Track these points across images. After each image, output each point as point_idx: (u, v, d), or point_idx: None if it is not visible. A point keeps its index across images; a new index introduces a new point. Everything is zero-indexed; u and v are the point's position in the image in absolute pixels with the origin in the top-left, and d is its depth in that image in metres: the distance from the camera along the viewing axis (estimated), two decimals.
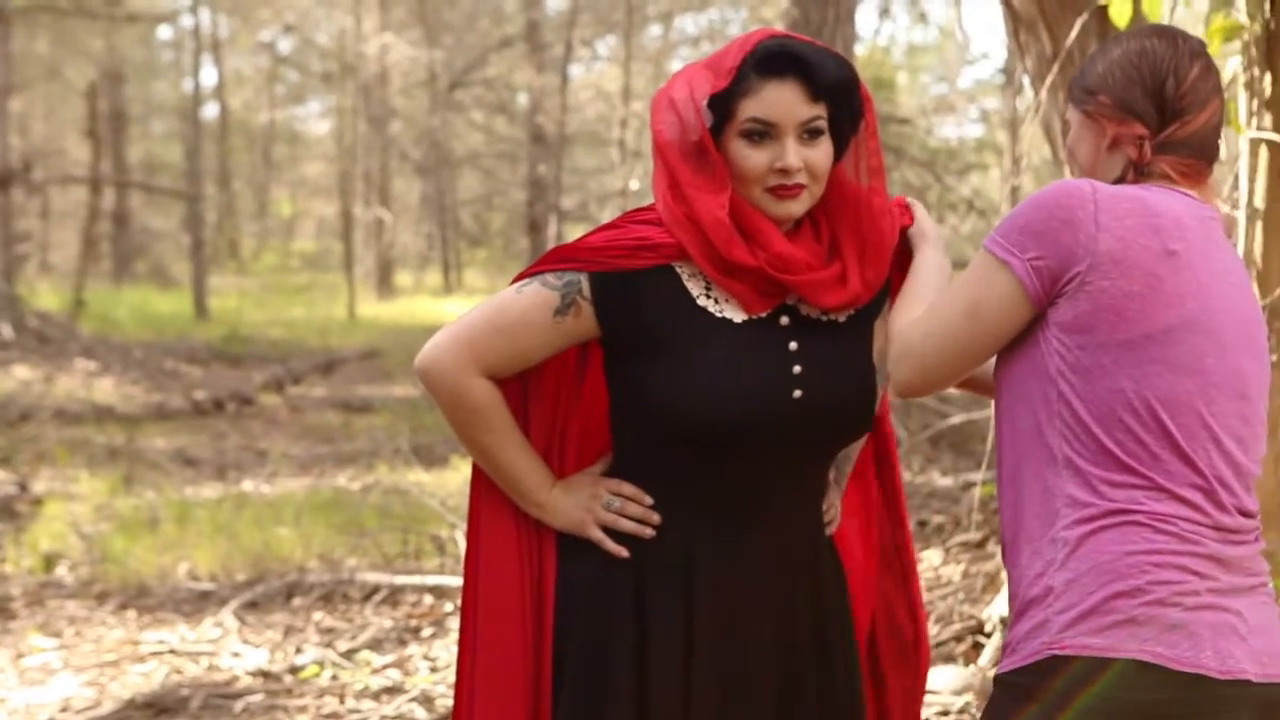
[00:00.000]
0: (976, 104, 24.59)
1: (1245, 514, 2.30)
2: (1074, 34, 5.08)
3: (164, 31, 37.87)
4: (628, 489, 2.61)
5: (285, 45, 38.12)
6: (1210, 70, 2.39)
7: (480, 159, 32.04)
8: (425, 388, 2.66)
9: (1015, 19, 6.09)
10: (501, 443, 2.63)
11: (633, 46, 24.95)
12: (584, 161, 30.29)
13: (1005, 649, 2.33)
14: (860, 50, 18.31)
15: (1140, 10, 4.51)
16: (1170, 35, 2.41)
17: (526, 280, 2.59)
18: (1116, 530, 2.23)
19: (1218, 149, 2.42)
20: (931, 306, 2.41)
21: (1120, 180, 2.37)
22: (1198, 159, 2.38)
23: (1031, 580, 2.29)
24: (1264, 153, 4.68)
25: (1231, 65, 4.71)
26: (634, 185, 21.18)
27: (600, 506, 2.62)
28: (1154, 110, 2.35)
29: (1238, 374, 2.29)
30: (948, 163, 17.09)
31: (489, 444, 2.63)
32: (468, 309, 2.66)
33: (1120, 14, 4.56)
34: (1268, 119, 4.62)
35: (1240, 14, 4.55)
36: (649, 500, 2.60)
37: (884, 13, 18.33)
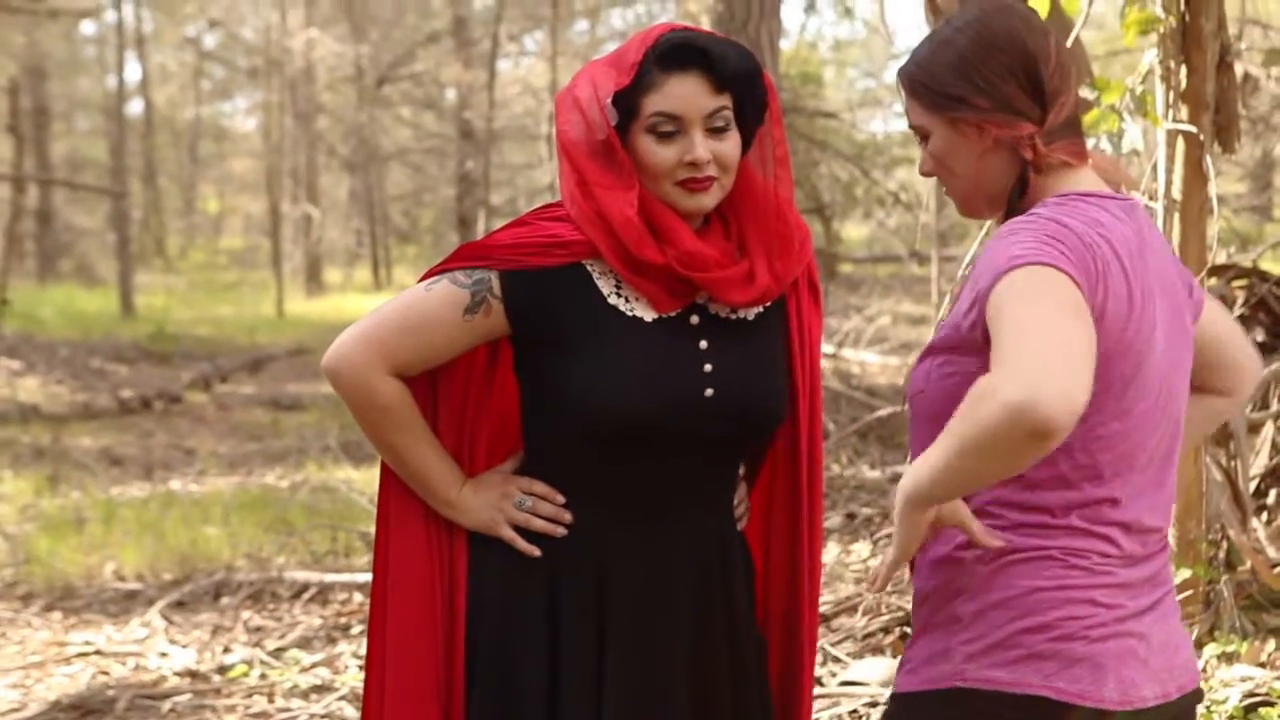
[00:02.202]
0: (903, 98, 24.70)
1: (1159, 529, 2.24)
2: None
3: (87, 27, 37.50)
4: (539, 488, 2.60)
5: (210, 40, 37.84)
6: (1060, 42, 2.22)
7: (409, 155, 31.88)
8: (333, 387, 2.63)
9: (937, 13, 6.13)
10: (411, 442, 2.61)
11: (560, 42, 24.90)
12: (512, 157, 30.19)
13: (902, 664, 2.26)
14: (786, 45, 18.35)
15: (1058, 4, 4.56)
16: (1013, 12, 2.21)
17: (436, 278, 2.58)
18: (1029, 565, 2.14)
19: (1080, 120, 2.27)
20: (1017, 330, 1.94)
21: (1020, 185, 2.19)
22: (1075, 134, 2.22)
23: (937, 600, 2.21)
24: (1180, 144, 4.74)
25: (1148, 58, 4.76)
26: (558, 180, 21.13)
27: (512, 505, 2.61)
28: (1034, 102, 2.17)
29: (1170, 398, 2.20)
30: (874, 157, 17.16)
31: (398, 443, 2.61)
32: (375, 309, 2.64)
33: (1040, 5, 4.60)
34: (1184, 110, 4.68)
35: (1156, 7, 4.61)
36: (561, 499, 2.60)
37: (809, 7, 18.41)
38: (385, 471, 2.69)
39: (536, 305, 2.53)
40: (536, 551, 2.60)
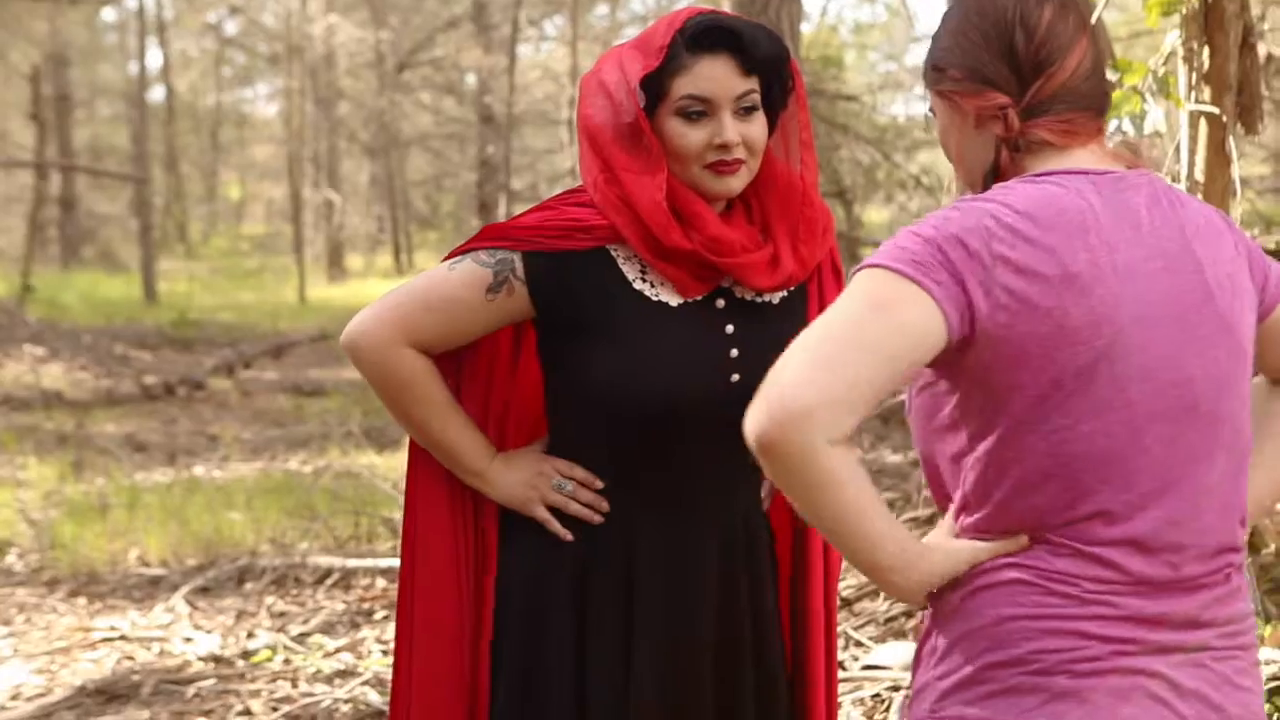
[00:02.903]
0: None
1: (1208, 554, 1.97)
2: None
3: (108, 14, 37.59)
4: (579, 473, 2.60)
5: (231, 27, 37.87)
6: (1067, 8, 2.03)
7: (429, 140, 31.91)
8: (353, 362, 2.63)
9: None
10: (434, 414, 2.61)
11: (580, 26, 24.88)
12: (533, 142, 30.20)
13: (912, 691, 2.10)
14: (807, 28, 18.32)
15: None
16: None
17: (459, 258, 2.58)
18: (999, 590, 1.94)
19: (1103, 93, 2.07)
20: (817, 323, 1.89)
21: (996, 163, 2.04)
22: (1078, 111, 2.02)
23: (928, 624, 2.04)
24: (1203, 125, 4.72)
25: (1170, 39, 4.74)
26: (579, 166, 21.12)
27: (549, 486, 2.60)
28: (1009, 72, 2.00)
29: (1178, 387, 1.94)
30: (896, 140, 17.11)
31: (422, 416, 2.61)
32: (396, 287, 2.64)
33: None
34: (1206, 92, 4.66)
35: None
36: (600, 485, 2.59)
37: None
38: (413, 453, 2.69)
39: (559, 287, 2.53)
40: (569, 535, 2.60)
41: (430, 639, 2.64)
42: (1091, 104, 2.03)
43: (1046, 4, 2.01)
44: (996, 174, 2.04)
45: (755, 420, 1.81)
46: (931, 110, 2.12)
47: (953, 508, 2.03)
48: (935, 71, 2.07)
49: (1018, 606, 1.91)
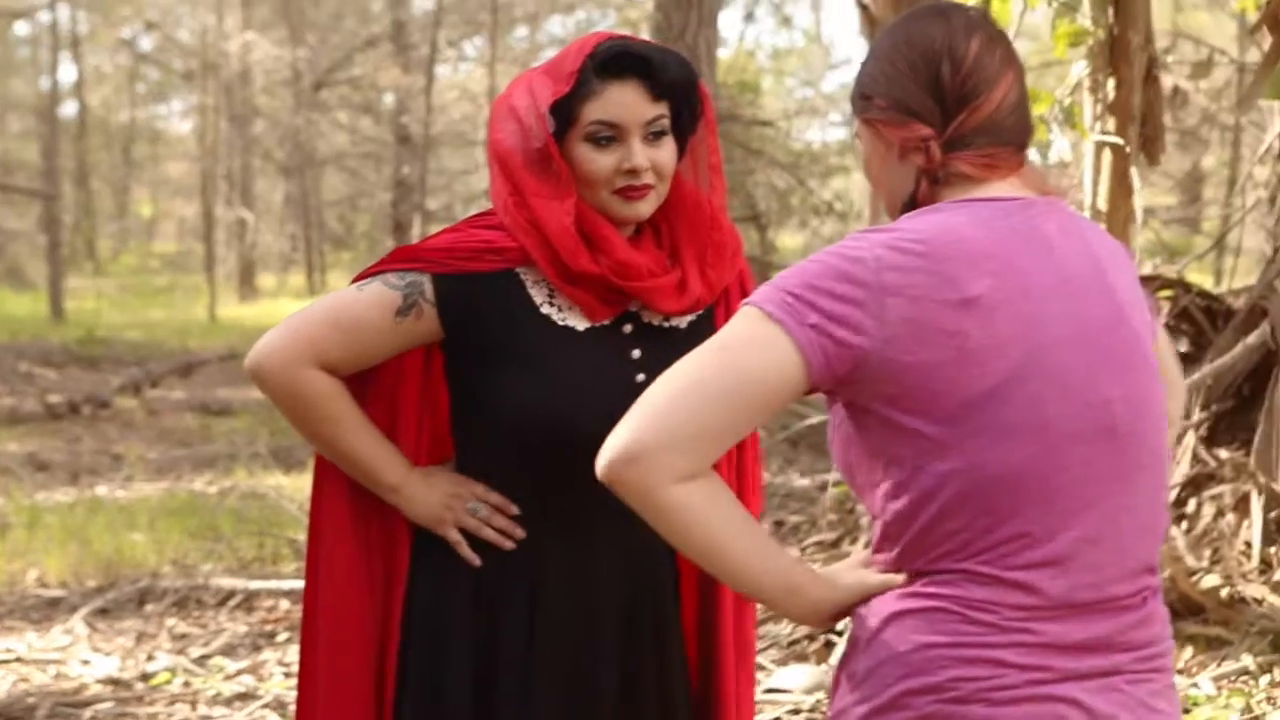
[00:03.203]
0: (839, 108, 24.83)
1: (1127, 575, 1.98)
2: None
3: (20, 27, 37.12)
4: (495, 498, 2.58)
5: (146, 43, 37.53)
6: (995, 41, 2.02)
7: (345, 159, 31.75)
8: (257, 383, 2.60)
9: (871, 22, 6.17)
10: (345, 431, 2.58)
11: (499, 48, 24.88)
12: (450, 162, 30.11)
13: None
14: (724, 54, 18.42)
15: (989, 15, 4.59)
16: (942, 12, 2.04)
17: (368, 279, 2.56)
18: (920, 617, 1.93)
19: (1026, 127, 2.05)
20: (674, 369, 1.94)
21: (915, 193, 2.03)
22: (1000, 145, 2.01)
23: (847, 649, 2.05)
24: (1107, 155, 4.79)
25: (1077, 70, 4.81)
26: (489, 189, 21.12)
27: (463, 509, 2.58)
28: (933, 104, 1.99)
29: (1095, 408, 1.93)
30: (810, 166, 17.25)
31: (331, 434, 2.58)
32: (303, 306, 2.62)
33: None
34: (1111, 122, 4.73)
35: (1086, 19, 4.65)
36: (514, 510, 2.58)
37: (748, 17, 18.46)
38: (319, 470, 2.66)
39: (468, 310, 2.52)
40: (478, 560, 2.58)
41: (334, 660, 2.61)
42: (1014, 139, 2.03)
43: (974, 36, 2.00)
44: (914, 204, 2.04)
45: (599, 463, 1.90)
46: (857, 135, 2.12)
47: (873, 540, 2.03)
48: (862, 99, 2.07)
49: (937, 634, 1.92)
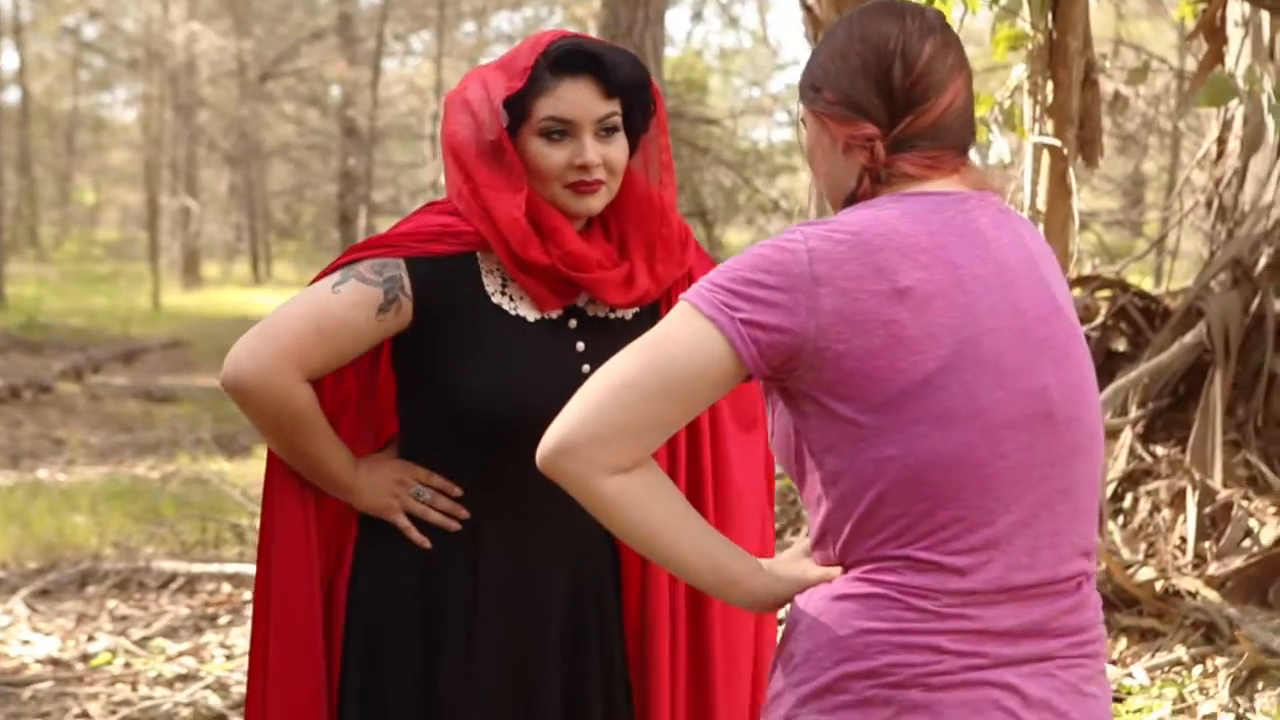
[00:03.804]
0: (786, 107, 24.95)
1: (1063, 558, 2.00)
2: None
3: None
4: (437, 480, 2.61)
5: (90, 31, 37.24)
6: (948, 45, 2.03)
7: (291, 151, 31.62)
8: (237, 398, 2.54)
9: (815, 24, 6.24)
10: (315, 440, 2.58)
11: (446, 42, 24.87)
12: (395, 155, 30.06)
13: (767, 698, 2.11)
14: (672, 52, 18.48)
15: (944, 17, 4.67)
16: (899, 11, 2.04)
17: (339, 278, 2.53)
18: (860, 602, 1.96)
19: (970, 131, 2.07)
20: (613, 361, 2.00)
21: (857, 189, 2.05)
22: (943, 148, 2.03)
23: (787, 630, 2.07)
24: (1046, 157, 4.87)
25: (1016, 73, 4.89)
26: (444, 179, 21.13)
27: (409, 495, 2.62)
28: (882, 104, 2.00)
29: (1032, 395, 1.96)
30: (757, 165, 17.34)
31: (306, 445, 2.58)
32: (276, 311, 2.54)
33: None
34: (1050, 125, 4.82)
35: (1025, 24, 4.74)
36: (457, 492, 2.61)
37: (696, 16, 18.53)
38: (272, 461, 2.65)
39: (435, 293, 2.53)
40: (427, 543, 2.61)
41: (285, 642, 2.62)
42: (956, 141, 2.04)
43: (928, 39, 2.01)
44: (854, 200, 2.05)
45: (538, 452, 1.98)
46: (801, 119, 2.13)
47: (812, 534, 2.06)
48: (811, 90, 2.07)
49: (876, 620, 1.94)
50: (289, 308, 2.55)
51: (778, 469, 2.38)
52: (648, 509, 1.97)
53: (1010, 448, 1.95)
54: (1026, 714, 1.94)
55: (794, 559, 2.12)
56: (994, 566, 1.95)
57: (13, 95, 37.40)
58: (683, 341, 1.95)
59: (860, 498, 1.96)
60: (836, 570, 2.02)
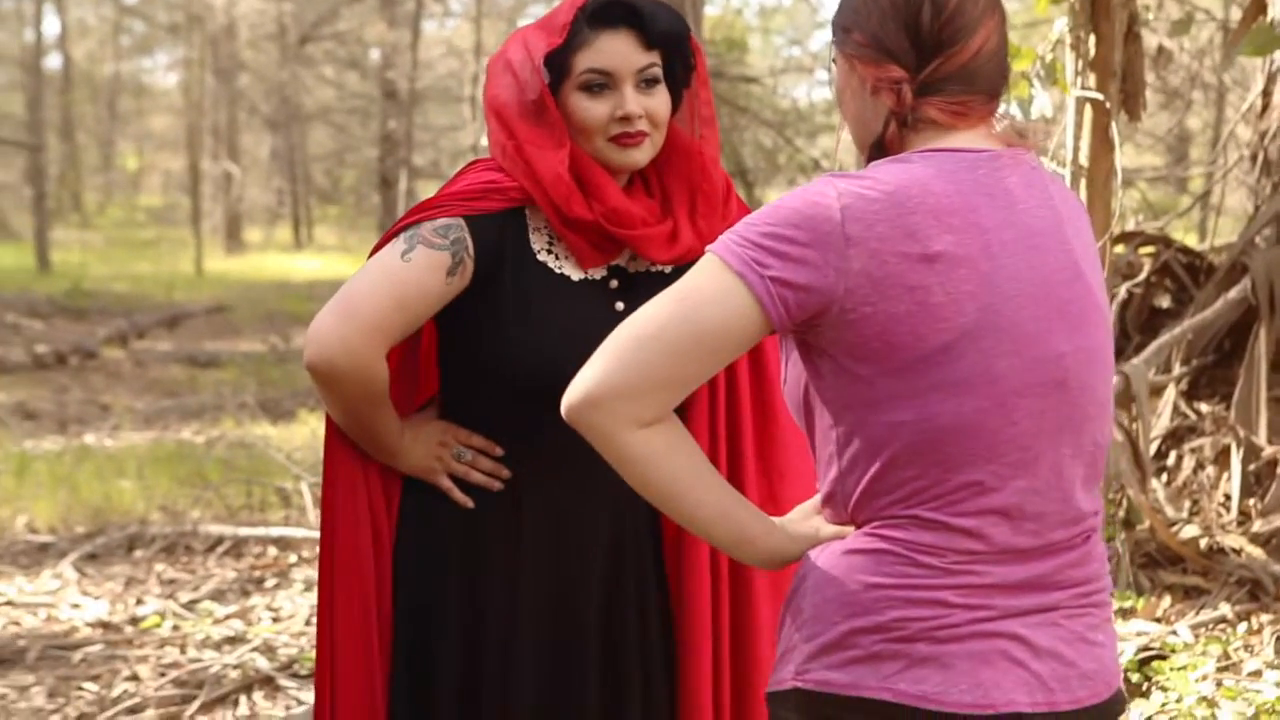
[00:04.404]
0: (826, 66, 24.80)
1: (1070, 520, 2.02)
2: None
3: None
4: (478, 440, 2.63)
5: None
6: None
7: (331, 114, 31.66)
8: (323, 380, 2.53)
9: None
10: (379, 411, 2.60)
11: (485, 3, 24.79)
12: (436, 118, 30.06)
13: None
14: (712, 11, 18.41)
15: None
16: None
17: (405, 244, 2.53)
18: (868, 557, 1.98)
19: (1002, 76, 2.06)
20: (638, 313, 1.97)
21: (884, 133, 2.04)
22: (972, 93, 2.01)
23: (791, 591, 2.08)
24: (1089, 111, 4.84)
25: (1058, 26, 4.85)
26: (485, 142, 21.12)
27: (451, 456, 2.64)
28: (910, 46, 1.99)
29: (1046, 363, 1.97)
30: (798, 124, 17.25)
31: (373, 416, 2.59)
32: (350, 286, 2.52)
33: None
34: (1092, 79, 4.78)
35: None
36: (499, 452, 2.63)
37: None
38: (330, 429, 2.67)
39: (492, 252, 2.55)
40: (470, 503, 2.64)
41: (350, 602, 2.65)
42: (987, 87, 2.02)
43: None
44: (883, 148, 2.04)
45: (563, 403, 1.97)
46: (833, 60, 2.12)
47: (822, 491, 2.07)
48: (841, 30, 2.06)
49: (883, 575, 1.96)
50: (364, 282, 2.53)
51: None
52: (670, 463, 1.98)
53: (1021, 414, 1.96)
54: (1034, 663, 1.96)
55: (805, 517, 2.13)
56: (1002, 529, 1.96)
57: (55, 61, 37.59)
58: (711, 298, 1.93)
59: (872, 460, 1.97)
60: (849, 529, 2.03)
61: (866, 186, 1.93)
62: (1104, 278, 2.15)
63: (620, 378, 1.93)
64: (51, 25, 37.08)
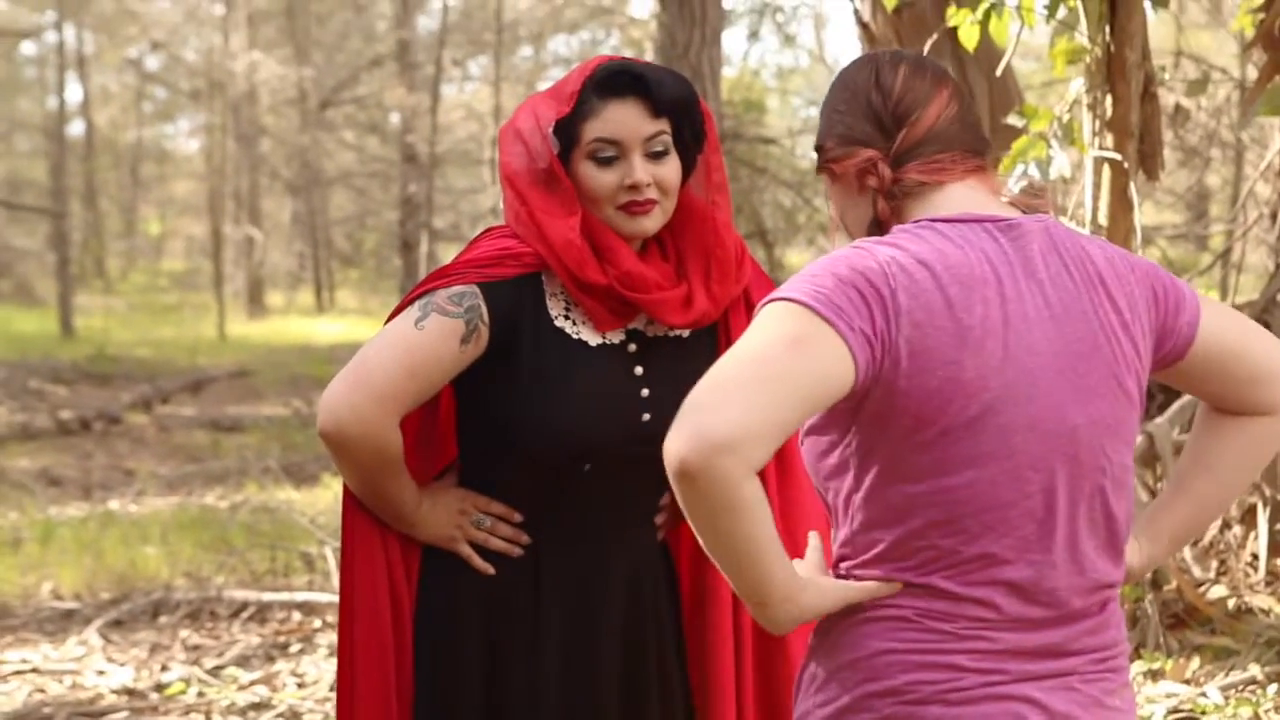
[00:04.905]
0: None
1: (1087, 589, 2.02)
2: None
3: (28, 47, 37.27)
4: (497, 507, 2.64)
5: (153, 62, 37.63)
6: (921, 66, 2.13)
7: (352, 178, 31.82)
8: (335, 447, 2.55)
9: (871, 40, 6.25)
10: (397, 480, 2.61)
11: (504, 67, 24.97)
12: (456, 181, 30.18)
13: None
14: (729, 72, 18.49)
15: (987, 32, 4.67)
16: (869, 56, 2.18)
17: (419, 311, 2.55)
18: (880, 624, 2.00)
19: (975, 135, 2.13)
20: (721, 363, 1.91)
21: (875, 217, 2.09)
22: (947, 150, 2.08)
23: (807, 657, 2.11)
24: (1106, 171, 4.85)
25: (1075, 86, 4.88)
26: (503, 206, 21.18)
27: (470, 524, 2.65)
28: (872, 128, 2.08)
29: (1060, 436, 1.98)
30: (816, 184, 17.29)
31: (386, 485, 2.61)
32: (363, 355, 2.54)
33: (968, 36, 4.71)
34: (1109, 138, 4.79)
35: (1083, 37, 4.72)
36: (518, 518, 2.65)
37: (752, 35, 18.53)
38: (348, 498, 2.69)
39: (507, 319, 2.56)
40: (490, 570, 2.65)
41: (370, 671, 2.66)
42: (960, 145, 2.09)
43: (900, 66, 2.11)
44: (879, 226, 2.08)
45: (678, 448, 1.82)
46: (828, 197, 2.16)
47: (836, 545, 2.08)
48: (817, 151, 2.14)
49: (895, 641, 1.98)
50: (377, 350, 2.54)
51: None
52: (764, 517, 1.89)
53: (1035, 488, 1.97)
54: None
55: (812, 570, 2.10)
56: (1012, 601, 1.98)
57: (78, 128, 37.89)
58: (819, 344, 1.87)
59: (889, 528, 1.98)
60: (887, 588, 2.00)
61: (905, 256, 1.95)
62: (1146, 341, 2.10)
63: (749, 417, 1.81)
64: (74, 92, 37.47)
